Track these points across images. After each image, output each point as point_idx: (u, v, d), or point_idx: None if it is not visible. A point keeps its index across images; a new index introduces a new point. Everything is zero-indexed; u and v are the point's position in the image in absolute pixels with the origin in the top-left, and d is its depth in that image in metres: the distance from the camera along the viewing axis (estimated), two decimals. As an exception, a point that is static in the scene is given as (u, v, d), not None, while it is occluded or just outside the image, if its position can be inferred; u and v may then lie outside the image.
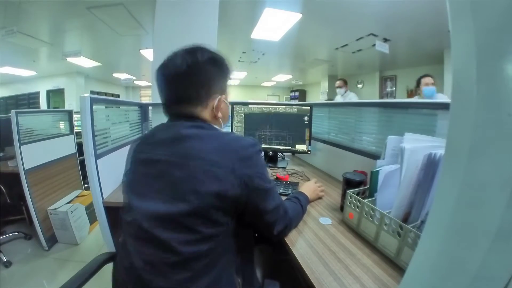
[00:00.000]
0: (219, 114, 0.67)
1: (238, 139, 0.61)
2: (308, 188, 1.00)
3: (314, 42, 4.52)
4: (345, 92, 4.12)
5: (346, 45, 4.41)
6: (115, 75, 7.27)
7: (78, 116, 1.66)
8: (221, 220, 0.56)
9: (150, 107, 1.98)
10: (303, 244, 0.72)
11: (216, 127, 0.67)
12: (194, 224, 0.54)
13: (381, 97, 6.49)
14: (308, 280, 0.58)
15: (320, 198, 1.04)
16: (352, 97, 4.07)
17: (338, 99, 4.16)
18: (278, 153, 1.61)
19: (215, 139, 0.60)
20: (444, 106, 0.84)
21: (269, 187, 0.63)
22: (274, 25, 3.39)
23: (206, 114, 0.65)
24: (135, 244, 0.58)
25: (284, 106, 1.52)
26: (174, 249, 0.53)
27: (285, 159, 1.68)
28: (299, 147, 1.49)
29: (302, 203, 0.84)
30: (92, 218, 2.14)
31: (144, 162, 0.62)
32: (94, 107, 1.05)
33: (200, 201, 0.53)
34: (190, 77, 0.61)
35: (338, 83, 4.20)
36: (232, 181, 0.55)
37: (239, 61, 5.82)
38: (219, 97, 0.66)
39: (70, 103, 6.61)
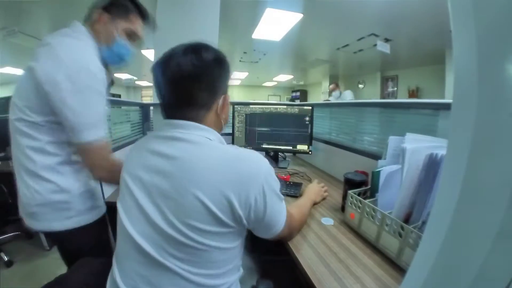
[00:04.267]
0: (223, 115, 0.63)
1: None
2: (313, 190, 1.00)
3: (315, 42, 4.53)
4: (340, 94, 4.20)
5: (347, 45, 4.42)
6: (116, 75, 7.27)
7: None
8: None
9: (151, 107, 1.99)
10: (304, 244, 0.72)
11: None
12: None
13: (382, 97, 6.49)
14: (309, 281, 0.58)
15: (324, 199, 1.04)
16: (347, 95, 4.12)
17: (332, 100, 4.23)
18: (279, 153, 1.61)
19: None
20: (446, 106, 0.84)
21: None
22: (275, 25, 3.40)
23: (209, 116, 0.60)
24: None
25: (285, 106, 1.52)
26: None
27: (286, 159, 1.68)
28: (300, 147, 1.49)
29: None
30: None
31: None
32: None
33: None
34: (196, 78, 0.56)
35: (331, 86, 4.29)
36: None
37: (240, 61, 5.83)
38: (224, 96, 0.62)
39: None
